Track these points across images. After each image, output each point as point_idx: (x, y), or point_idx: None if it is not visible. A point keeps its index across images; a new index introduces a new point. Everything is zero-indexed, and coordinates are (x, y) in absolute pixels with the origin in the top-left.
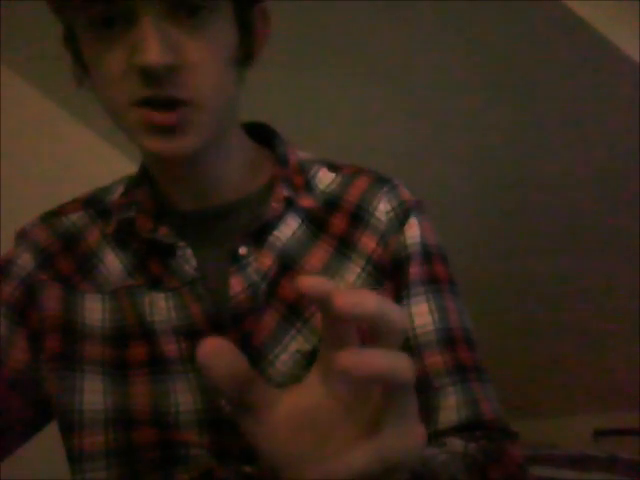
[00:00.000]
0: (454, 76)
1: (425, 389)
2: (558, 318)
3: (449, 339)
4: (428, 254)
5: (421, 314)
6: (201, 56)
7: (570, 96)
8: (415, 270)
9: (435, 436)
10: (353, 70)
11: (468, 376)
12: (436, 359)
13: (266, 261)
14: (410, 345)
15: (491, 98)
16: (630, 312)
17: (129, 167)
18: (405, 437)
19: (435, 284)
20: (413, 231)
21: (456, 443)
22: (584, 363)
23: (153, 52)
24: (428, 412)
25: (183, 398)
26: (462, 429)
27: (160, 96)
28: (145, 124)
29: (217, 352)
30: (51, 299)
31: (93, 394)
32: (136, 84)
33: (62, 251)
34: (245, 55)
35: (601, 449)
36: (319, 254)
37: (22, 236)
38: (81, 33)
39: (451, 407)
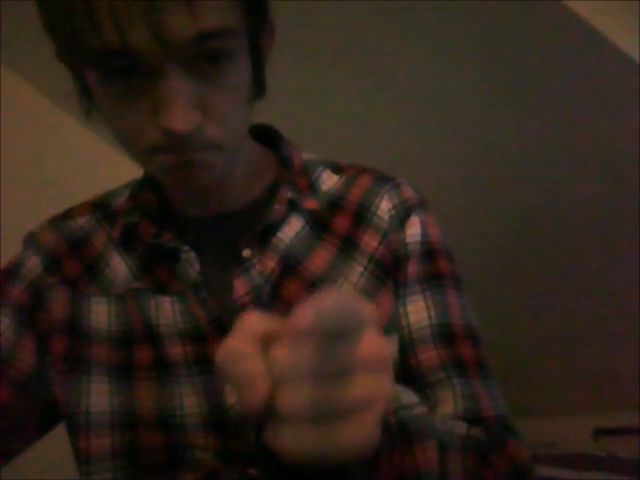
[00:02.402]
0: (453, 76)
1: (421, 386)
2: (558, 318)
3: (448, 334)
4: (430, 251)
5: (417, 311)
6: (225, 108)
7: (570, 96)
8: (413, 269)
9: None
10: (354, 70)
11: (468, 372)
12: (430, 354)
13: (270, 263)
14: (405, 343)
15: (490, 98)
16: (630, 312)
17: (130, 168)
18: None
19: (436, 280)
20: (414, 229)
21: (459, 424)
22: (584, 363)
23: (179, 118)
24: (427, 409)
25: (188, 401)
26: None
27: (183, 150)
28: (166, 166)
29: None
30: (58, 302)
31: (99, 396)
32: (157, 138)
33: (69, 254)
34: (258, 90)
35: (601, 448)
36: (323, 255)
37: (30, 239)
38: (94, 82)
39: (448, 400)
